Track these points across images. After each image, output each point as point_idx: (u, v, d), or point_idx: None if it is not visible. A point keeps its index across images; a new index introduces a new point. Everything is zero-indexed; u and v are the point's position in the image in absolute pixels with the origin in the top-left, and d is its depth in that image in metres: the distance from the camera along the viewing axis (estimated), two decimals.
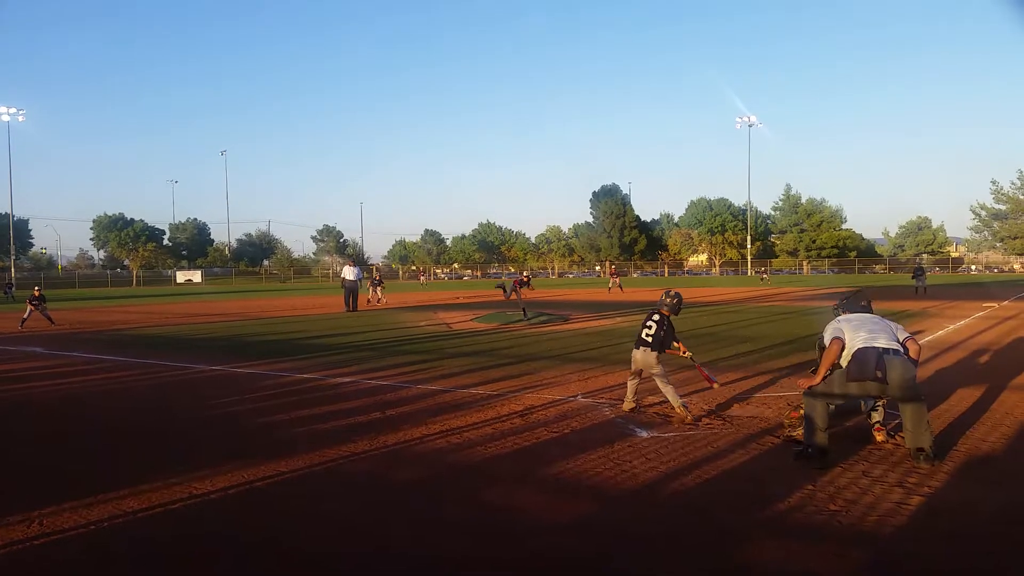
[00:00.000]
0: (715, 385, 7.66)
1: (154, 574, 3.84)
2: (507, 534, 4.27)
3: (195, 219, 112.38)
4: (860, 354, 5.75)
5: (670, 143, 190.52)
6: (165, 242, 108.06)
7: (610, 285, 40.28)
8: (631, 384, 7.48)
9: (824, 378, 5.81)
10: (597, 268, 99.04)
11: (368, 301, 28.69)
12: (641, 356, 7.30)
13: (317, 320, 22.30)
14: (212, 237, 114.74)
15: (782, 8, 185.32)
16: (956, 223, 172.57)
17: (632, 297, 33.18)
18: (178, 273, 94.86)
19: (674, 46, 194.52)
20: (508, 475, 5.42)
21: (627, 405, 7.45)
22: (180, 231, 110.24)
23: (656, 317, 7.39)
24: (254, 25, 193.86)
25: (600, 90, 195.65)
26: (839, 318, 6.27)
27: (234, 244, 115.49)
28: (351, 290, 25.25)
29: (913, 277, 33.58)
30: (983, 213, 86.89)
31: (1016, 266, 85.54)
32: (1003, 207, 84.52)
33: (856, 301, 6.57)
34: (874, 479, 5.10)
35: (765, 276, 58.71)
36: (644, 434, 6.49)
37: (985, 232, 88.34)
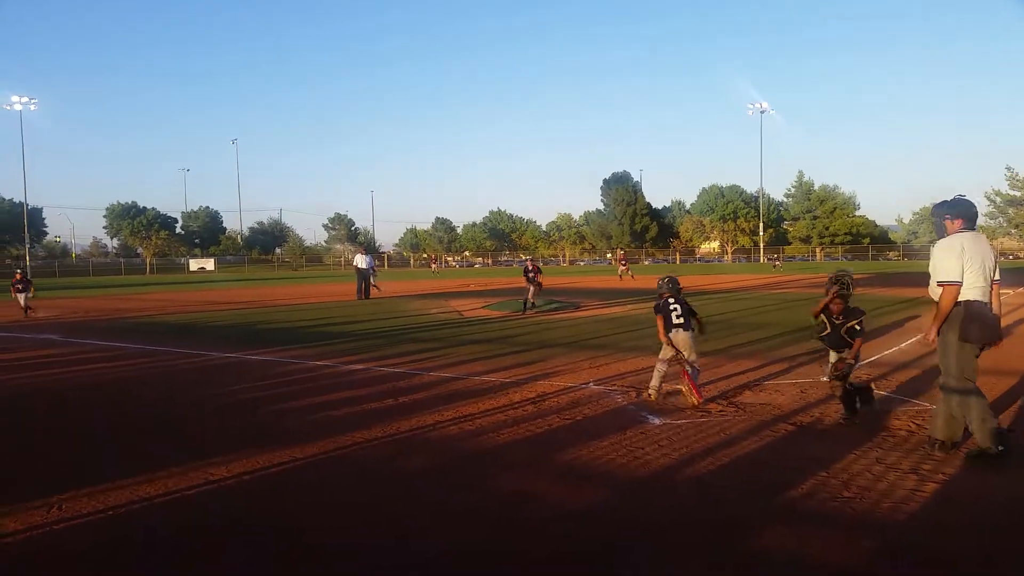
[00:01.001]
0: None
1: (170, 559, 3.89)
2: (519, 522, 4.28)
3: (207, 207, 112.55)
4: (980, 309, 4.91)
5: (682, 130, 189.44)
6: (178, 230, 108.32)
7: (620, 273, 38.65)
8: (662, 370, 7.38)
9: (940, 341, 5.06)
10: (608, 256, 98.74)
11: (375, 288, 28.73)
12: (684, 337, 7.29)
13: (329, 308, 22.38)
14: (224, 225, 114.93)
15: None
16: None
17: (644, 284, 33.03)
18: (191, 261, 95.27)
19: (685, 35, 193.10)
20: (521, 462, 5.44)
21: (654, 395, 7.35)
22: (193, 219, 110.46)
23: (672, 301, 7.47)
24: (265, 14, 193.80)
25: (612, 78, 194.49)
26: (954, 240, 5.07)
27: (246, 232, 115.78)
28: (364, 278, 25.44)
29: None
30: (998, 200, 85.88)
31: None
32: (1018, 193, 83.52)
33: (970, 207, 5.21)
34: (888, 466, 5.07)
35: (777, 263, 57.94)
36: (656, 421, 6.49)
37: (1000, 219, 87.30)
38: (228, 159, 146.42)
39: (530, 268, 19.12)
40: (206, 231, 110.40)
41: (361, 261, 25.93)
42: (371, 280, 25.93)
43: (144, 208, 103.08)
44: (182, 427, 6.91)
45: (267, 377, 9.39)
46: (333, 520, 4.36)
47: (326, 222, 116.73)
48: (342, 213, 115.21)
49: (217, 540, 4.11)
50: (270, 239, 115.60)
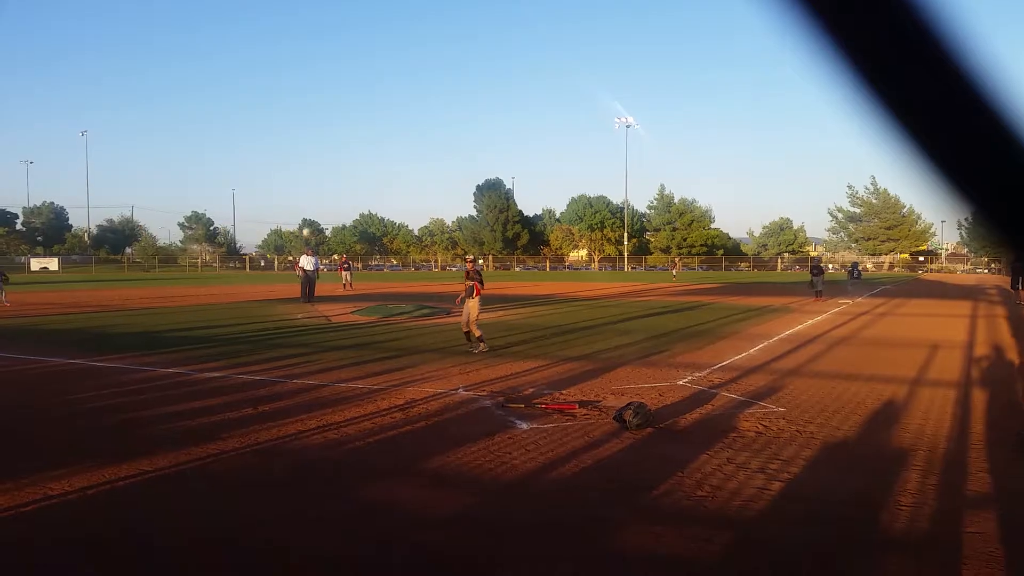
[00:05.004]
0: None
1: None
2: (385, 531, 4.19)
3: (52, 203, 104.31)
4: None
5: (553, 140, 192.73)
6: (18, 227, 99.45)
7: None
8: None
9: None
10: (480, 261, 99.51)
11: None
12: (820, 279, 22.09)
13: (187, 312, 21.14)
14: (70, 222, 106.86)
15: (656, 11, 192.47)
16: (815, 224, 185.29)
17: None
18: (32, 260, 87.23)
19: (554, 46, 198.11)
20: (387, 470, 5.34)
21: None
22: (35, 215, 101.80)
23: (820, 267, 21.21)
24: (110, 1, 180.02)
25: (485, 86, 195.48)
26: None
27: (94, 230, 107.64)
28: (310, 280, 24.86)
29: (812, 274, 25.80)
30: (840, 216, 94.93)
31: (869, 266, 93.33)
32: (858, 210, 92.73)
33: None
34: (738, 465, 5.38)
35: (675, 272, 59.89)
36: (524, 426, 6.56)
37: (841, 233, 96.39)
38: (76, 152, 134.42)
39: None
40: (50, 228, 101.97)
41: (308, 263, 25.43)
42: (315, 281, 25.38)
43: None
44: (21, 438, 6.31)
45: (116, 385, 8.72)
46: (186, 532, 4.09)
47: (182, 221, 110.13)
48: (200, 211, 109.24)
49: (59, 555, 3.75)
50: (120, 238, 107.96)
